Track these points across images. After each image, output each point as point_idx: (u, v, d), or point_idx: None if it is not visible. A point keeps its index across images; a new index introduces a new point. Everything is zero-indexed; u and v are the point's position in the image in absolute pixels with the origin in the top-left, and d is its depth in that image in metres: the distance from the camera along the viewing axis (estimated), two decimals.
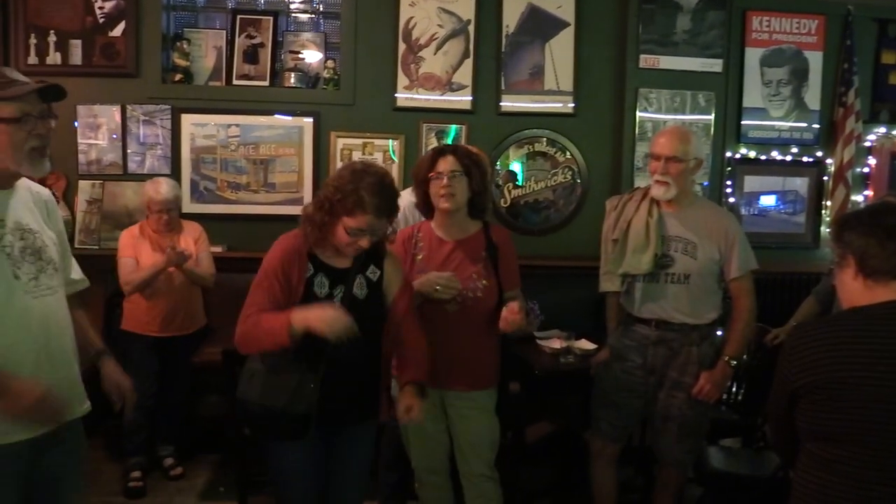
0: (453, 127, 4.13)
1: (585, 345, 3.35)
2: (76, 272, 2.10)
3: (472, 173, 2.50)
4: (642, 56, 4.12)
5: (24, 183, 1.90)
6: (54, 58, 4.03)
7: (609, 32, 4.19)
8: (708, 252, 2.69)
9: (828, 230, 4.33)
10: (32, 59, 4.02)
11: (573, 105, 4.17)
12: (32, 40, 4.02)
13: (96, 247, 4.04)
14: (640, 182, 4.05)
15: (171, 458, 3.70)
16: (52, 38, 4.02)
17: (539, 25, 4.13)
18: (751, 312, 2.73)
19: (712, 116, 4.20)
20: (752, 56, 4.33)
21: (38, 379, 1.77)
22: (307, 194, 4.06)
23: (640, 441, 3.26)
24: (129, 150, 4.08)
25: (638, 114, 4.12)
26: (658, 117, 4.14)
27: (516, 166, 4.22)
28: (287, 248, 2.20)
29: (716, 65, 4.18)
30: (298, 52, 4.21)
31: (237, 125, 4.08)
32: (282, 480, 2.31)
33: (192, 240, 3.61)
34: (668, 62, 4.14)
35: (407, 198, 3.30)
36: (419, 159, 2.70)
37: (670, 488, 2.88)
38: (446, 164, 2.49)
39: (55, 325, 1.87)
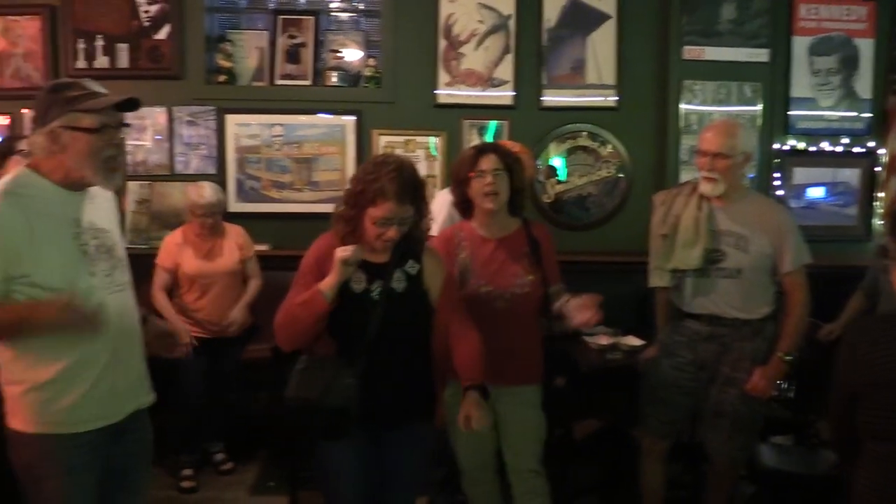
0: (492, 123, 4.12)
1: (632, 341, 3.32)
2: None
3: (513, 170, 2.51)
4: (686, 48, 4.05)
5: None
6: (101, 61, 4.11)
7: (651, 24, 4.13)
8: (760, 246, 2.64)
9: (881, 222, 4.22)
10: (81, 63, 4.10)
11: (616, 98, 4.12)
12: (80, 45, 4.10)
13: (146, 246, 4.10)
14: (685, 176, 4.00)
15: (222, 454, 3.76)
16: (100, 42, 4.11)
17: (580, 19, 4.09)
18: (804, 307, 2.67)
19: (759, 107, 4.11)
20: (800, 45, 4.22)
21: (110, 371, 1.89)
22: None
23: (689, 438, 3.22)
24: (175, 151, 4.15)
25: (682, 106, 4.06)
26: (703, 109, 4.07)
27: (557, 161, 4.19)
28: (322, 247, 2.21)
29: (762, 54, 4.09)
30: (339, 51, 4.23)
31: (280, 125, 4.12)
32: (329, 480, 2.31)
33: (235, 245, 3.65)
34: (712, 53, 4.07)
35: (444, 199, 3.31)
36: (458, 158, 2.69)
37: (722, 486, 2.85)
38: (489, 162, 2.48)
39: (128, 319, 1.98)
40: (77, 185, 1.90)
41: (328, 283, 2.08)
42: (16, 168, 2.23)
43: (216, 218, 3.57)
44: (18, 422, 1.85)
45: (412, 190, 2.14)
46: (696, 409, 2.82)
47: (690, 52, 4.05)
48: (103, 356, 1.89)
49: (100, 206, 2.00)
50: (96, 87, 1.89)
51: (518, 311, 2.49)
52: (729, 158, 2.64)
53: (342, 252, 2.06)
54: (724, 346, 2.68)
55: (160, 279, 3.55)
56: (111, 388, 1.91)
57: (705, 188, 2.70)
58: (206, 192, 3.53)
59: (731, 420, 2.68)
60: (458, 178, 2.56)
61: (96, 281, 1.88)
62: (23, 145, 2.73)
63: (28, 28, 4.11)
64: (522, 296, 2.49)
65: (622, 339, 3.33)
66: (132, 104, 1.91)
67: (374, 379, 2.12)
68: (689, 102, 4.08)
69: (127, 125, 1.95)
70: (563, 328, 2.82)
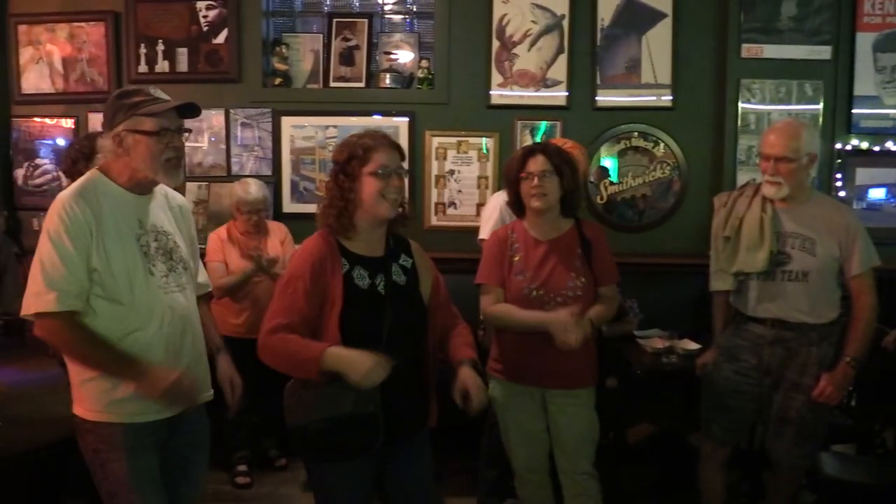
0: (542, 124, 4.10)
1: (689, 345, 3.26)
2: (202, 276, 2.28)
3: (563, 172, 2.50)
4: (744, 45, 3.96)
5: (161, 189, 2.10)
6: (162, 66, 4.21)
7: (708, 22, 4.05)
8: (827, 248, 2.58)
9: None
10: (142, 67, 4.22)
11: (671, 98, 4.05)
12: (142, 50, 4.22)
13: (202, 246, 4.18)
14: (742, 176, 3.92)
15: (275, 450, 3.82)
16: (161, 48, 4.21)
17: (635, 18, 4.04)
18: (872, 311, 2.60)
19: (820, 106, 3.99)
20: (864, 41, 4.07)
21: (166, 365, 1.95)
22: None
23: (748, 444, 3.15)
24: (231, 153, 4.23)
25: (740, 105, 3.97)
26: (762, 108, 3.98)
27: (608, 162, 4.14)
28: (315, 248, 2.08)
29: (824, 52, 3.97)
30: (393, 53, 4.26)
31: (335, 126, 4.16)
32: None
33: (278, 241, 3.69)
34: (772, 51, 3.96)
35: (503, 196, 3.30)
36: (509, 159, 2.71)
37: (783, 494, 2.78)
38: (536, 163, 2.49)
39: (184, 318, 2.05)
40: (143, 188, 2.01)
41: (333, 364, 1.90)
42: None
43: (261, 215, 3.61)
44: (81, 408, 1.96)
45: (398, 146, 2.12)
46: (758, 416, 2.76)
47: (749, 49, 3.96)
48: (157, 352, 1.96)
49: (165, 210, 2.10)
50: (160, 93, 1.99)
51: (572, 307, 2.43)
52: (793, 162, 2.58)
53: (373, 372, 1.88)
54: (790, 351, 2.61)
55: (215, 273, 3.51)
56: None
57: (769, 191, 2.64)
58: (252, 188, 3.56)
59: (796, 427, 2.61)
60: (508, 178, 2.60)
61: (154, 280, 1.97)
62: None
63: (92, 34, 4.24)
64: (574, 299, 2.48)
65: (678, 342, 3.28)
66: (193, 109, 2.00)
67: (387, 383, 1.93)
68: (747, 101, 3.98)
69: (188, 130, 2.04)
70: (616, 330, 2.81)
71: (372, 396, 1.92)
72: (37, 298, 1.84)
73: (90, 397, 1.93)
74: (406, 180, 2.15)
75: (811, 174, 2.76)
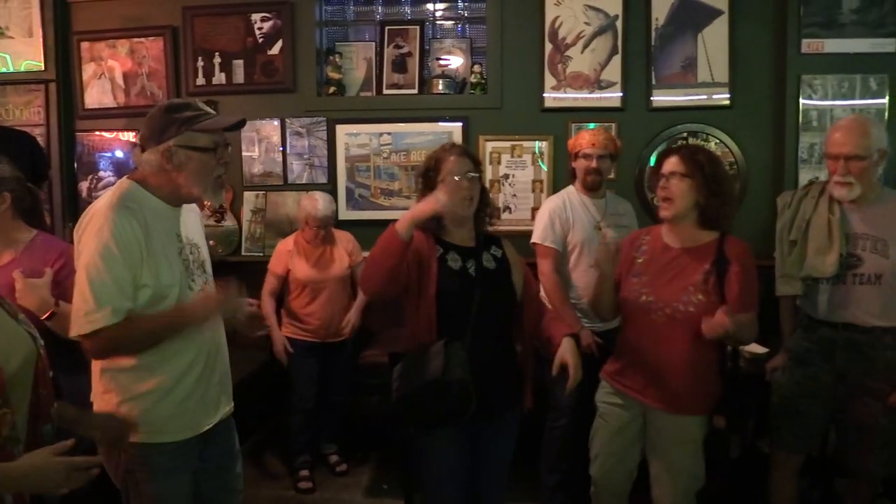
0: (590, 126, 4.03)
1: (755, 349, 3.18)
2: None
3: (696, 176, 2.30)
4: (805, 40, 3.86)
5: None
6: (219, 78, 4.29)
7: (766, 17, 3.96)
8: None
9: None
10: (200, 80, 4.31)
11: (729, 96, 3.97)
12: (200, 63, 4.30)
13: (261, 253, 4.27)
14: (804, 175, 3.82)
15: (336, 456, 3.86)
16: (217, 60, 4.29)
17: (690, 15, 3.97)
18: None
19: (885, 100, 3.86)
20: None
21: (203, 383, 1.99)
22: None
23: (819, 451, 3.07)
24: (288, 162, 4.29)
25: (801, 102, 3.87)
26: (824, 104, 3.87)
27: None
28: (413, 236, 2.19)
29: (888, 44, 3.84)
30: (445, 59, 4.27)
31: (389, 133, 4.19)
32: (435, 481, 2.32)
33: (345, 252, 3.74)
34: (833, 45, 3.86)
35: (555, 200, 3.29)
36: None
37: (862, 501, 2.70)
38: (669, 164, 2.36)
39: (215, 331, 2.05)
40: (179, 201, 1.96)
41: (404, 221, 2.08)
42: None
43: (328, 229, 3.69)
44: None
45: (470, 153, 2.36)
46: (832, 422, 2.69)
47: (810, 45, 3.86)
48: (197, 368, 1.96)
49: (192, 222, 2.08)
50: (206, 107, 1.95)
51: (679, 329, 2.29)
52: (864, 160, 2.49)
53: (440, 199, 2.10)
54: (864, 356, 2.53)
55: (269, 284, 3.69)
56: (202, 398, 1.99)
57: (839, 193, 2.54)
58: (320, 204, 3.62)
59: (873, 434, 2.53)
60: (651, 180, 2.56)
61: (193, 294, 1.95)
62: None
63: (152, 49, 4.35)
64: (685, 314, 2.29)
65: (745, 346, 3.20)
66: (240, 125, 2.01)
67: (476, 359, 2.16)
68: (808, 98, 3.89)
69: (228, 144, 1.99)
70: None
71: (462, 362, 2.12)
72: (87, 317, 1.76)
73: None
74: (479, 183, 2.34)
75: (880, 172, 2.67)
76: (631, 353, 2.45)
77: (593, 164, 3.19)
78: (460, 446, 2.28)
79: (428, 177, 2.32)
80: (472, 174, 2.29)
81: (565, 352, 2.18)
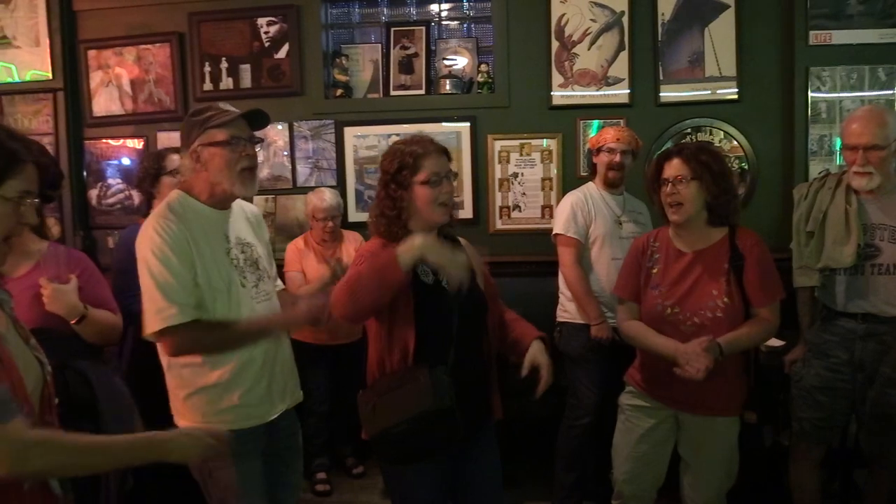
0: (595, 123, 4.03)
1: (772, 341, 3.16)
2: (279, 282, 2.36)
3: (703, 177, 2.26)
4: (812, 32, 3.85)
5: (237, 203, 2.15)
6: (227, 83, 4.30)
7: (773, 10, 3.95)
8: None
9: None
10: (207, 85, 4.31)
11: (737, 90, 3.97)
12: (207, 68, 4.31)
13: (280, 257, 4.26)
14: (814, 167, 3.82)
15: (352, 458, 3.86)
16: (224, 65, 4.30)
17: (697, 10, 3.96)
18: None
19: (894, 91, 3.86)
20: None
21: (266, 373, 2.05)
22: (466, 197, 4.12)
23: (840, 442, 3.06)
24: (297, 165, 4.29)
25: (810, 94, 3.87)
26: (833, 96, 3.87)
27: None
28: (377, 247, 2.09)
29: None
30: (452, 59, 4.26)
31: (397, 134, 4.16)
32: None
33: (353, 249, 3.74)
34: (841, 37, 3.85)
35: (577, 194, 3.30)
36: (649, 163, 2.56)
37: (881, 492, 2.69)
38: (671, 168, 2.31)
39: None
40: (222, 202, 2.06)
41: (406, 257, 1.87)
42: (169, 189, 2.40)
43: (336, 221, 3.69)
44: (186, 421, 2.00)
45: (445, 150, 2.13)
46: (853, 412, 2.68)
47: (817, 36, 3.85)
48: (258, 360, 2.03)
49: (245, 222, 2.16)
50: (229, 107, 2.04)
51: (710, 335, 2.23)
52: (884, 149, 2.50)
53: (450, 257, 1.93)
54: (885, 345, 2.52)
55: (294, 283, 3.62)
56: (267, 388, 2.06)
57: (858, 183, 2.54)
58: (326, 195, 3.67)
59: (894, 423, 2.52)
60: (647, 183, 2.41)
61: (247, 292, 2.02)
62: (170, 164, 2.90)
63: (158, 55, 4.35)
64: (714, 320, 2.26)
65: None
66: (261, 117, 2.06)
67: (459, 379, 1.97)
68: (817, 90, 3.88)
69: (259, 140, 2.09)
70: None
71: (448, 389, 1.92)
72: (159, 315, 1.86)
73: (195, 410, 1.99)
74: (454, 183, 2.17)
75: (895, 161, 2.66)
76: (659, 362, 2.32)
77: (617, 157, 3.21)
78: (441, 475, 2.11)
79: (401, 175, 2.04)
80: (451, 176, 2.11)
81: (537, 353, 2.07)
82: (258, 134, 2.11)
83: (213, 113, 2.00)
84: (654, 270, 2.41)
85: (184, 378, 2.00)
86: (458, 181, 4.11)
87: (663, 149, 2.61)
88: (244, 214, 2.19)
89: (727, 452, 2.37)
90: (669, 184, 2.29)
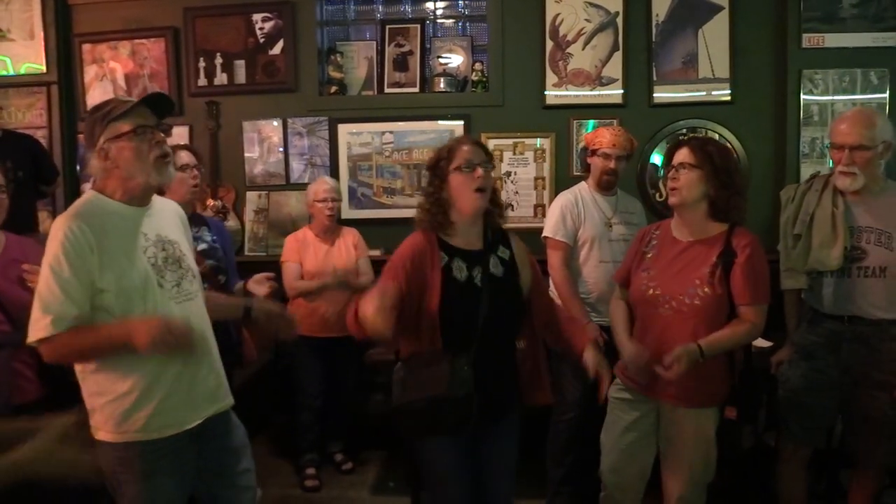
0: (590, 123, 4.05)
1: (759, 342, 3.19)
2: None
3: (705, 167, 2.31)
4: (805, 35, 3.87)
5: (157, 199, 2.08)
6: (221, 78, 4.30)
7: (767, 13, 3.97)
8: None
9: None
10: (202, 80, 4.31)
11: (730, 92, 3.98)
12: (201, 64, 4.31)
13: (264, 253, 4.28)
14: (806, 169, 3.84)
15: (342, 454, 3.87)
16: (219, 61, 4.30)
17: (691, 12, 3.98)
18: None
19: (886, 95, 3.88)
20: None
21: (185, 379, 1.96)
22: None
23: (825, 443, 3.07)
24: (290, 161, 4.30)
25: (802, 97, 3.89)
26: (825, 99, 3.89)
27: (657, 158, 4.07)
28: (416, 243, 2.21)
29: (890, 38, 3.85)
30: (446, 57, 4.27)
31: (391, 132, 4.20)
32: (438, 483, 2.28)
33: (351, 244, 3.75)
34: (834, 40, 3.87)
35: (567, 196, 3.30)
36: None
37: (866, 493, 2.70)
38: (678, 156, 2.38)
39: (196, 326, 1.98)
40: (140, 198, 1.98)
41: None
42: (177, 183, 2.38)
43: (336, 204, 3.68)
44: (101, 431, 1.92)
45: (483, 145, 2.27)
46: (839, 414, 2.70)
47: (810, 39, 3.87)
48: (175, 365, 1.94)
49: (167, 219, 2.08)
50: (129, 98, 1.98)
51: (686, 322, 2.29)
52: (869, 150, 2.50)
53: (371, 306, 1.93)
54: (871, 348, 2.53)
55: (292, 273, 3.61)
56: (186, 394, 1.97)
57: (843, 183, 2.55)
58: (327, 178, 3.75)
59: (879, 425, 2.54)
60: (666, 173, 2.49)
61: (164, 291, 1.95)
62: (178, 160, 2.88)
63: (153, 50, 4.35)
64: (691, 307, 2.30)
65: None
66: (164, 102, 2.00)
67: (481, 368, 2.09)
68: (809, 93, 3.90)
69: (167, 127, 2.03)
70: None
71: (463, 381, 2.04)
72: (34, 326, 1.81)
73: (110, 419, 1.90)
74: (492, 175, 2.24)
75: (883, 164, 2.67)
76: (650, 352, 2.36)
77: (611, 164, 3.19)
78: (461, 449, 2.23)
79: (439, 167, 2.20)
80: (487, 165, 2.19)
81: (599, 361, 2.21)
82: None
83: (114, 105, 1.92)
84: (649, 255, 2.47)
85: (96, 386, 1.92)
86: None
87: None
88: (167, 211, 2.11)
89: (703, 444, 2.38)
90: (674, 169, 2.36)
